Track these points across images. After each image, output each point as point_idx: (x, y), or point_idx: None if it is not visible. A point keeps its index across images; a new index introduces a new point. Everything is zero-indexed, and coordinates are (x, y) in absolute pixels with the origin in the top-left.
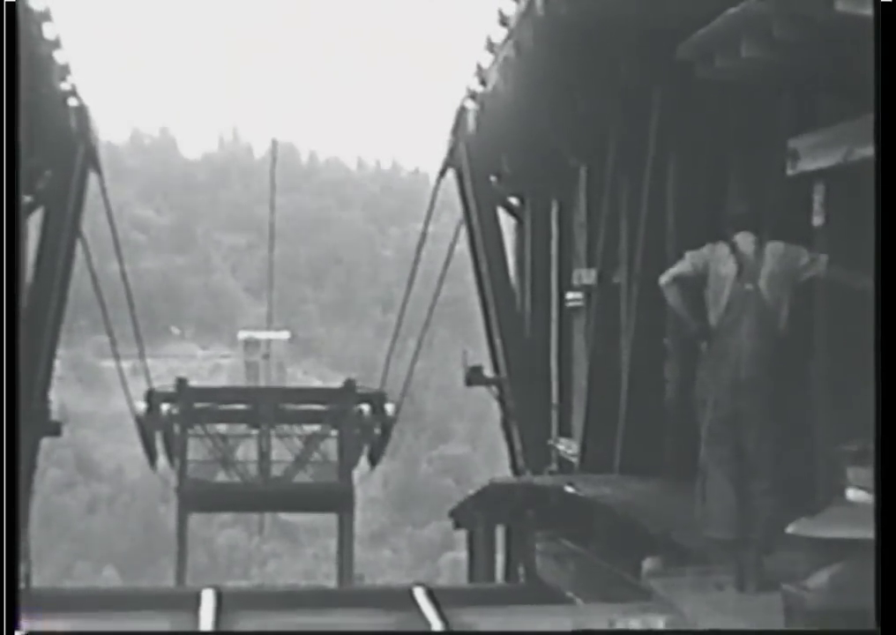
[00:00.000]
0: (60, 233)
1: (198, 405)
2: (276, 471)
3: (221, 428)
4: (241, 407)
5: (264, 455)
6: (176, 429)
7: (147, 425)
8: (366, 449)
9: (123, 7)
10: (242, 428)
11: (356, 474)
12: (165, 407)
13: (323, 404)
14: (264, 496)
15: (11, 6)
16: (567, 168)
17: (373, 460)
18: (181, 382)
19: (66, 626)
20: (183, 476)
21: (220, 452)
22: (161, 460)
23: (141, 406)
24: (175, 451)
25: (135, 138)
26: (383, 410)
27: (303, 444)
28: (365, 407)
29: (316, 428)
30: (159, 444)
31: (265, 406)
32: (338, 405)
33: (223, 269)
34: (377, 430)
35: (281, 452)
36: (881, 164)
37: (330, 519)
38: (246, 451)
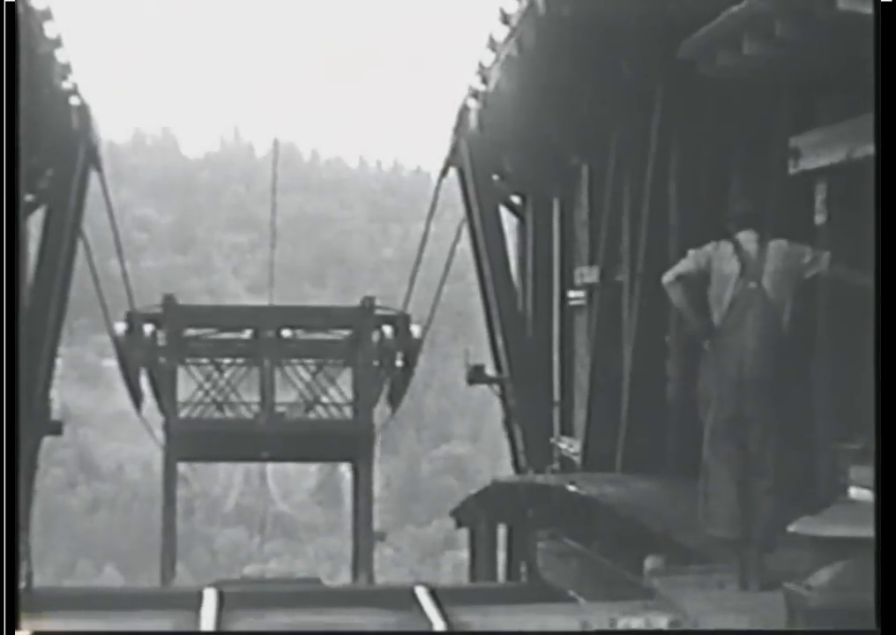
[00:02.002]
0: (61, 232)
1: (189, 332)
2: (282, 410)
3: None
4: (238, 336)
5: (266, 394)
6: (162, 359)
7: (128, 354)
8: (385, 387)
9: (124, 6)
10: (241, 360)
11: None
12: (148, 328)
13: (336, 328)
14: (266, 439)
15: (11, 5)
16: (569, 167)
17: (394, 401)
18: (168, 299)
19: (68, 626)
20: (172, 415)
21: (214, 389)
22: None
23: (120, 327)
24: (163, 388)
25: (137, 137)
26: (408, 332)
27: (312, 376)
28: (387, 330)
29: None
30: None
31: (267, 334)
32: (354, 329)
33: (224, 268)
34: (399, 362)
35: (288, 392)
36: (881, 162)
37: (329, 517)
38: (248, 390)
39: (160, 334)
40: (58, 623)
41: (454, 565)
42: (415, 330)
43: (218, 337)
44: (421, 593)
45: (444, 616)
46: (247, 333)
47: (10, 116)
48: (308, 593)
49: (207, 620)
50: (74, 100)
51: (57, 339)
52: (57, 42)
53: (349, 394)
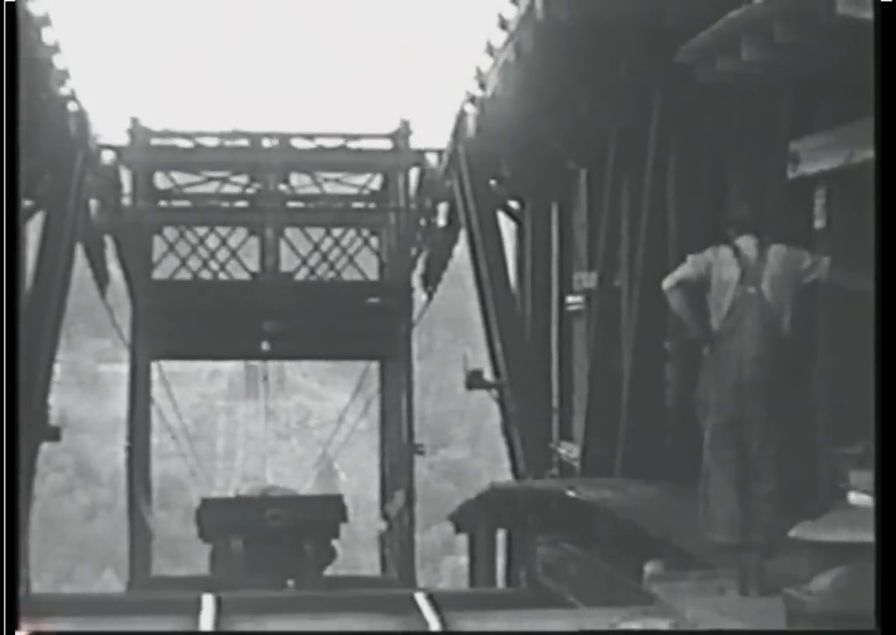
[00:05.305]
0: (59, 237)
1: (167, 181)
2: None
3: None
4: (228, 182)
5: (267, 248)
6: (130, 211)
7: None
8: (423, 257)
9: (121, 9)
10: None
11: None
12: (110, 158)
13: (361, 171)
14: (269, 313)
15: (11, 6)
16: (567, 171)
17: (430, 279)
18: (134, 122)
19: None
20: (141, 282)
21: (196, 251)
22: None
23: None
24: (133, 262)
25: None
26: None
27: (326, 232)
28: (431, 160)
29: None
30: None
31: (269, 185)
32: (384, 170)
33: None
34: (443, 220)
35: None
36: (881, 166)
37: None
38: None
39: (125, 174)
40: (57, 629)
41: (453, 571)
42: None
43: (202, 191)
44: (421, 599)
45: (444, 622)
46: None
47: (9, 122)
48: (308, 599)
49: (206, 626)
50: (72, 106)
51: (55, 344)
52: (55, 48)
53: (376, 263)
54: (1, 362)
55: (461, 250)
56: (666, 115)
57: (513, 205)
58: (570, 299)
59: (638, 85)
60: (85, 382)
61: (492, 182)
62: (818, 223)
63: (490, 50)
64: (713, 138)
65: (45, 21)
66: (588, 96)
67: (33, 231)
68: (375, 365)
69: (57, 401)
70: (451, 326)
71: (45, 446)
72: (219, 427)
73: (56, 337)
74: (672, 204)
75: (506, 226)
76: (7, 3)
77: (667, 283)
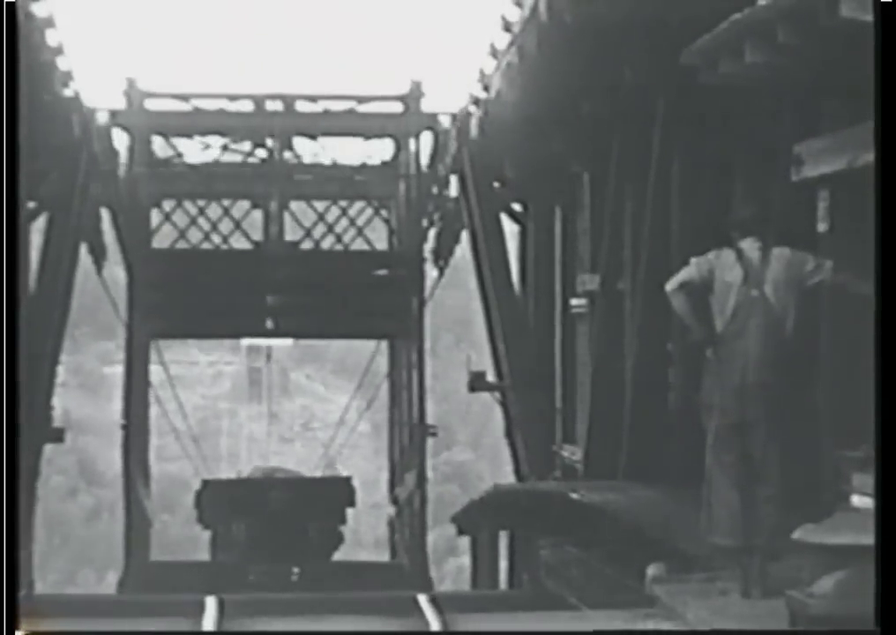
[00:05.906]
0: (63, 238)
1: (167, 150)
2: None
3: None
4: (228, 145)
5: (271, 219)
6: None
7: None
8: (435, 228)
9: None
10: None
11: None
12: (103, 118)
13: (371, 135)
14: (275, 285)
15: (12, 7)
16: (570, 174)
17: (442, 252)
18: (131, 83)
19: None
20: (140, 250)
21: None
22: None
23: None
24: (130, 232)
25: None
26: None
27: (332, 202)
28: (443, 122)
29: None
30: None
31: (274, 153)
32: (395, 134)
33: None
34: (454, 191)
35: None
36: (882, 169)
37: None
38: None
39: (122, 141)
40: (60, 631)
41: (456, 572)
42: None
43: (202, 159)
44: (423, 601)
45: (445, 623)
46: (245, 146)
47: (10, 123)
48: (310, 601)
49: (208, 628)
50: (76, 108)
51: (59, 346)
52: (59, 50)
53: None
54: (3, 364)
55: (463, 252)
56: (669, 117)
57: (516, 207)
58: (573, 301)
59: (642, 87)
60: (89, 384)
61: (495, 184)
62: (822, 226)
63: (494, 52)
64: (716, 140)
65: (49, 23)
66: (591, 98)
67: (36, 232)
68: (376, 366)
69: (61, 403)
70: (454, 329)
71: (48, 448)
72: (222, 429)
73: (60, 339)
74: (675, 206)
75: (509, 228)
76: (7, 2)
77: (670, 285)
